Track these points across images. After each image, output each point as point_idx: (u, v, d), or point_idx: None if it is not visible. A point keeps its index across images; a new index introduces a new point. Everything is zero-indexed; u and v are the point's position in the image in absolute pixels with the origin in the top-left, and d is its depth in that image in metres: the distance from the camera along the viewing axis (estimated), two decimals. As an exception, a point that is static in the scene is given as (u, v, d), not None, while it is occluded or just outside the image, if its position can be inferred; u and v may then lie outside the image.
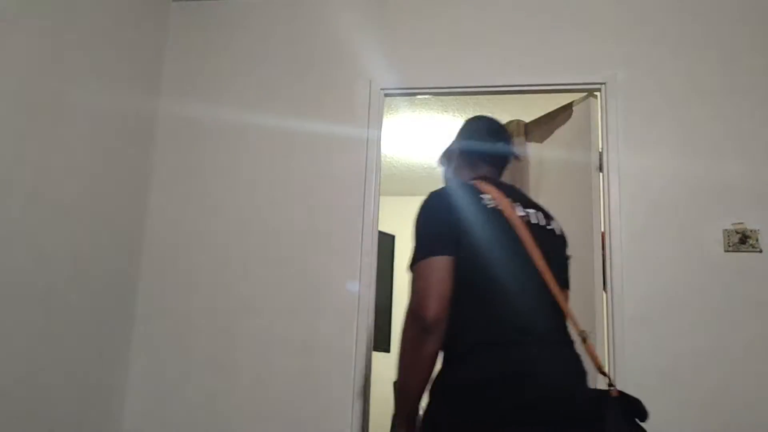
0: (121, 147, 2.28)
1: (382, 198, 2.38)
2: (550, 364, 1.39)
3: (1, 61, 1.72)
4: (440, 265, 1.44)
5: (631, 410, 1.33)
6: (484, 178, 1.59)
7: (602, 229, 2.15)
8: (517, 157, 1.76)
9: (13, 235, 1.76)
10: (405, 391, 1.46)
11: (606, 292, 2.11)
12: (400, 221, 5.06)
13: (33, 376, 1.85)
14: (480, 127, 1.71)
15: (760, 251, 2.02)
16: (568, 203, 2.28)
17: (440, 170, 1.77)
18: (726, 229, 2.06)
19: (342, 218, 2.29)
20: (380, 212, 2.34)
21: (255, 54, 2.51)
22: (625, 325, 2.04)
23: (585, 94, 2.29)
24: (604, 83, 2.23)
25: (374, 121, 2.35)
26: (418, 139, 4.10)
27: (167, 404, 2.27)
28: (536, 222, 1.54)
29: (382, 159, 2.37)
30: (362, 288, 2.22)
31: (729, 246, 2.04)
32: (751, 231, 2.04)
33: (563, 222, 2.31)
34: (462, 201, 1.52)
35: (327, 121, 2.39)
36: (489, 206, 1.50)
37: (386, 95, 2.41)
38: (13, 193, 1.76)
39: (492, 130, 1.70)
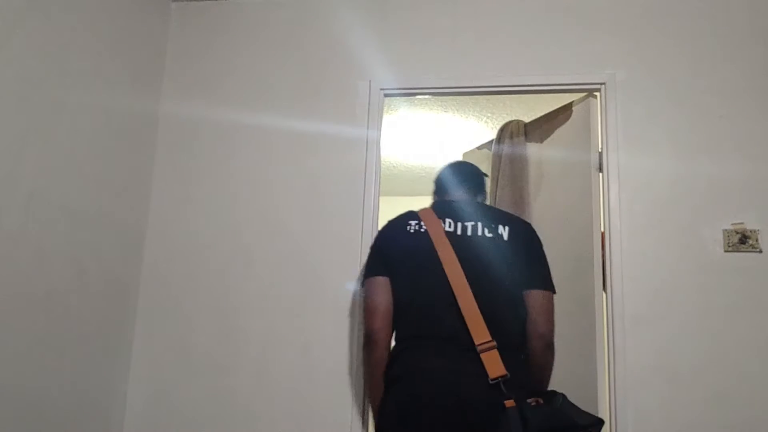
0: (121, 147, 2.28)
1: (381, 198, 2.37)
2: (442, 364, 1.62)
3: (2, 61, 1.72)
4: (378, 282, 1.79)
5: (528, 421, 1.49)
6: (439, 202, 1.94)
7: (602, 229, 2.15)
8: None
9: (13, 235, 1.76)
10: (369, 388, 1.83)
11: (606, 291, 2.11)
12: (400, 221, 5.04)
13: (33, 376, 1.85)
14: (450, 170, 2.06)
15: (760, 251, 2.03)
16: (568, 203, 2.28)
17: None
18: (726, 229, 2.06)
19: (341, 218, 2.30)
20: (380, 212, 2.34)
21: (255, 54, 2.51)
22: (625, 325, 2.05)
23: (585, 94, 2.29)
24: (604, 83, 2.23)
25: (374, 121, 2.35)
26: (417, 140, 4.10)
27: (168, 404, 2.27)
28: (461, 233, 1.77)
29: (382, 159, 2.37)
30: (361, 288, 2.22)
31: (729, 246, 2.04)
32: (750, 231, 2.04)
33: (563, 222, 2.32)
34: (392, 230, 1.87)
35: (326, 121, 2.39)
36: (413, 231, 1.80)
37: (386, 95, 2.41)
38: (13, 193, 1.76)
39: (459, 172, 2.04)
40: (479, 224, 1.79)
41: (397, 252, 1.81)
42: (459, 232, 1.78)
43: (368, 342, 1.80)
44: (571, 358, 2.16)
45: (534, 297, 1.76)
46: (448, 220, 1.80)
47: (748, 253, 2.03)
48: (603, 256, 2.12)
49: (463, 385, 1.59)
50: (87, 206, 2.08)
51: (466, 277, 1.69)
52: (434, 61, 2.37)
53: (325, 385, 2.18)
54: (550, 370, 1.83)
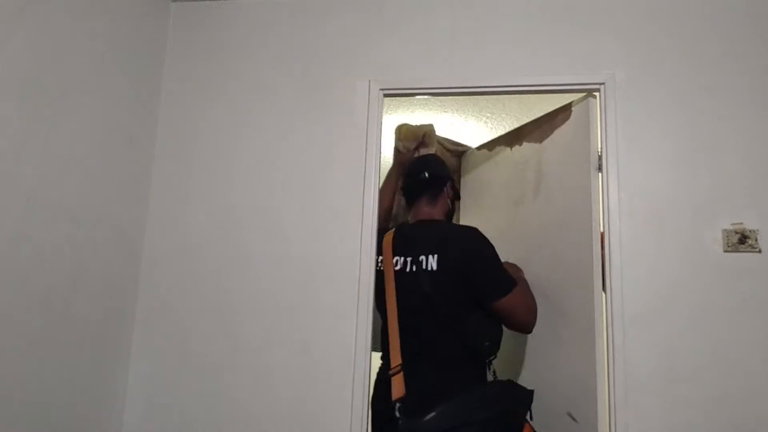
0: (121, 147, 2.28)
1: (381, 198, 2.37)
2: (377, 397, 2.12)
3: (1, 62, 1.72)
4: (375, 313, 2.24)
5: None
6: (401, 228, 2.25)
7: (601, 230, 2.16)
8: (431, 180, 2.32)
9: (13, 235, 1.76)
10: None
11: (605, 292, 2.11)
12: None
13: (32, 376, 1.85)
14: (415, 173, 2.35)
15: (760, 251, 2.03)
16: (568, 203, 2.28)
17: None
18: (725, 229, 2.06)
19: (341, 218, 2.30)
20: (380, 212, 2.34)
21: (254, 54, 2.51)
22: (625, 325, 2.05)
23: (584, 94, 2.29)
24: (603, 83, 2.23)
25: (373, 121, 2.36)
26: (417, 140, 4.09)
27: (167, 404, 2.27)
28: (404, 269, 2.09)
29: (381, 159, 2.37)
30: (361, 289, 2.23)
31: (728, 246, 2.05)
32: (750, 231, 2.04)
33: (562, 223, 2.33)
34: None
35: (326, 122, 2.39)
36: (377, 269, 2.21)
37: (385, 96, 2.41)
38: (13, 193, 1.76)
39: (408, 172, 2.37)
40: (418, 258, 2.06)
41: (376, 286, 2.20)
42: (402, 268, 2.10)
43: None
44: (570, 358, 2.16)
45: (501, 305, 2.00)
46: (396, 258, 2.13)
47: (747, 253, 2.04)
48: (602, 256, 2.13)
49: (383, 405, 2.02)
50: (86, 206, 2.08)
51: (398, 309, 2.03)
52: (434, 62, 2.38)
53: (325, 385, 2.18)
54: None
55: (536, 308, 2.11)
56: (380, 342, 2.18)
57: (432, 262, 2.02)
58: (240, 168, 2.42)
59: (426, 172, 2.29)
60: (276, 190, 2.37)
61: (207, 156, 2.45)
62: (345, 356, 2.19)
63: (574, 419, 2.10)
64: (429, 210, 2.26)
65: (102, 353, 2.18)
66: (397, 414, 1.88)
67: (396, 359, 1.97)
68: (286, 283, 2.29)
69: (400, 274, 2.10)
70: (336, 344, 2.21)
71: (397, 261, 2.12)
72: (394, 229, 2.25)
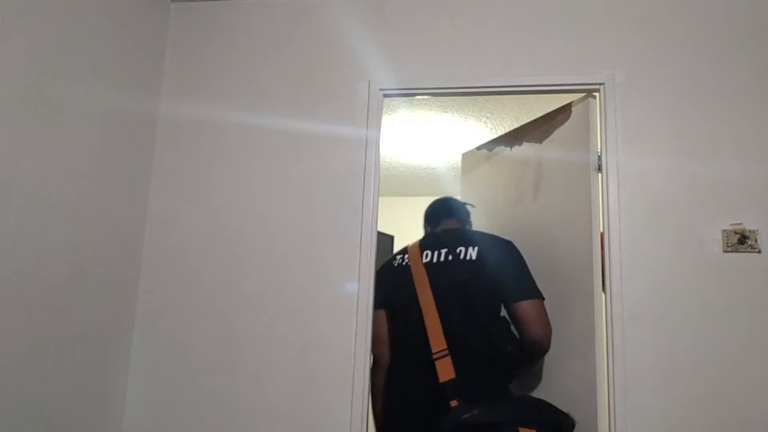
0: (121, 147, 2.28)
1: (381, 198, 2.38)
2: (413, 381, 2.05)
3: (1, 62, 1.72)
4: (379, 314, 2.24)
5: (465, 416, 1.82)
6: (427, 235, 2.33)
7: (601, 230, 2.16)
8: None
9: (13, 235, 1.76)
10: (372, 401, 2.22)
11: (605, 292, 2.11)
12: (399, 222, 5.07)
13: (32, 376, 1.85)
14: (438, 204, 2.45)
15: (759, 251, 2.03)
16: (567, 204, 2.28)
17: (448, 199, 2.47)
18: (725, 230, 2.06)
19: (341, 219, 2.30)
20: (379, 213, 2.34)
21: (254, 54, 2.51)
22: (624, 326, 2.05)
23: (584, 94, 2.29)
24: (603, 84, 2.23)
25: (373, 121, 2.36)
26: (416, 140, 4.10)
27: (167, 404, 2.27)
28: (437, 261, 2.13)
29: (381, 159, 2.37)
30: (361, 288, 2.23)
31: (728, 246, 2.05)
32: (749, 231, 2.04)
33: (562, 223, 2.33)
34: (385, 266, 2.29)
35: (326, 122, 2.39)
36: (397, 264, 2.24)
37: (385, 96, 2.41)
38: (13, 193, 1.76)
39: (446, 206, 2.41)
40: (453, 249, 2.13)
41: (388, 286, 2.20)
42: (434, 260, 2.14)
43: (374, 365, 2.24)
44: (570, 358, 2.17)
45: (522, 308, 2.03)
46: (426, 252, 2.18)
47: (747, 254, 2.04)
48: (602, 256, 2.13)
49: (422, 391, 1.99)
50: (86, 206, 2.08)
51: (435, 298, 2.04)
52: (433, 62, 2.38)
53: (325, 385, 2.18)
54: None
55: (551, 332, 2.06)
56: (396, 342, 2.18)
57: (471, 253, 2.10)
58: (240, 168, 2.42)
59: (452, 200, 2.46)
60: (276, 190, 2.37)
61: (207, 156, 2.45)
62: (345, 356, 2.19)
63: (574, 419, 2.10)
64: (455, 223, 2.33)
65: (102, 353, 2.17)
66: (450, 395, 1.88)
67: (440, 344, 1.96)
68: (285, 283, 2.29)
69: (431, 265, 2.13)
70: (336, 345, 2.20)
71: (426, 254, 2.17)
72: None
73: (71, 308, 2.01)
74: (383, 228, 2.92)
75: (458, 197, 2.62)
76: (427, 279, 2.08)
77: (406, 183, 5.04)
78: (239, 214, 2.37)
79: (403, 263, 2.21)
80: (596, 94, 2.26)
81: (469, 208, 2.44)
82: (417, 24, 2.42)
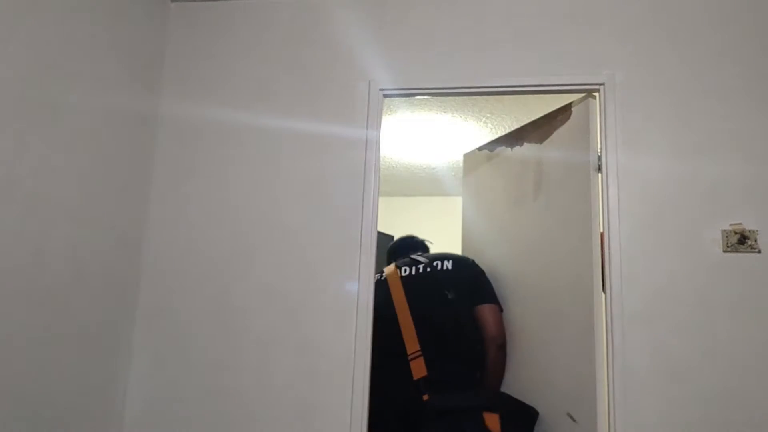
0: (121, 147, 2.28)
1: (381, 198, 2.38)
2: (391, 378, 2.25)
3: (1, 62, 1.72)
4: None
5: (442, 409, 2.12)
6: (402, 261, 2.59)
7: (601, 230, 2.16)
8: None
9: (13, 235, 1.76)
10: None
11: (605, 292, 2.11)
12: (399, 222, 5.07)
13: (33, 376, 1.85)
14: (402, 241, 2.88)
15: (759, 251, 2.03)
16: (567, 204, 2.28)
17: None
18: (724, 230, 2.06)
19: (341, 219, 2.30)
20: (379, 213, 2.34)
21: (254, 54, 2.51)
22: (624, 326, 2.05)
23: (584, 95, 2.29)
24: (603, 84, 2.23)
25: (373, 121, 2.36)
26: (416, 140, 4.10)
27: (167, 403, 2.28)
28: (413, 274, 2.47)
29: (381, 159, 2.38)
30: (361, 288, 2.23)
31: (728, 246, 2.05)
32: (749, 231, 2.04)
33: (562, 223, 2.33)
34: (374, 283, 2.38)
35: (326, 122, 2.39)
36: (378, 279, 2.44)
37: (385, 96, 2.41)
38: (13, 193, 1.76)
39: (410, 242, 2.82)
40: (430, 263, 2.48)
41: (376, 297, 2.31)
42: (413, 273, 2.47)
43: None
44: (570, 358, 2.17)
45: (483, 310, 2.38)
46: (404, 268, 2.50)
47: (747, 254, 2.04)
48: (602, 256, 2.13)
49: (396, 386, 2.25)
50: (86, 206, 2.08)
51: (413, 304, 2.35)
52: (433, 62, 2.38)
53: (325, 384, 2.19)
54: (502, 368, 2.41)
55: (504, 331, 2.42)
56: (377, 343, 2.24)
57: (447, 264, 2.47)
58: (240, 167, 2.42)
59: (415, 237, 2.84)
60: (276, 190, 2.38)
61: (207, 155, 2.45)
62: (345, 356, 2.19)
63: (573, 419, 2.10)
64: (421, 254, 2.63)
65: (102, 352, 2.18)
66: (422, 390, 2.18)
67: (414, 346, 2.27)
68: (285, 283, 2.29)
69: (408, 278, 2.46)
70: (336, 344, 2.21)
71: (404, 269, 2.50)
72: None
73: (72, 307, 2.01)
74: (383, 228, 2.93)
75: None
76: (402, 289, 2.41)
77: (406, 183, 5.05)
78: (239, 214, 2.38)
79: (381, 278, 2.48)
80: (596, 94, 2.26)
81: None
82: (417, 24, 2.42)
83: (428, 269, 2.47)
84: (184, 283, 2.36)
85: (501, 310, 2.44)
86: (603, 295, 2.11)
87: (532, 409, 2.22)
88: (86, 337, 2.09)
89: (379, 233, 2.38)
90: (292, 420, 2.19)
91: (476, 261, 2.57)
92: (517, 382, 2.38)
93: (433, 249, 2.84)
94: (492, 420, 2.11)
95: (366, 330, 2.20)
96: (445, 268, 2.45)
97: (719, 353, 2.00)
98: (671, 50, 2.24)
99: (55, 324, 1.93)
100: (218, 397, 2.24)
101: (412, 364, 2.24)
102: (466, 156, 3.03)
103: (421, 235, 2.85)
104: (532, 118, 2.60)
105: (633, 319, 2.05)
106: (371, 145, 2.34)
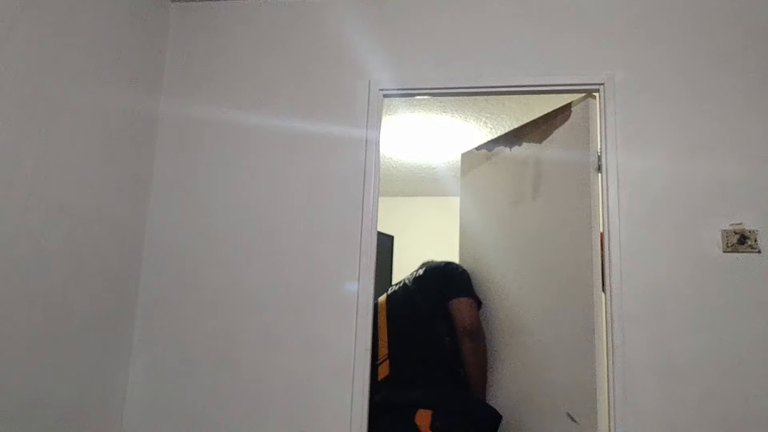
0: (122, 147, 2.28)
1: (381, 198, 2.38)
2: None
3: (1, 61, 1.72)
4: None
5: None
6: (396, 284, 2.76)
7: (601, 230, 2.16)
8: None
9: (13, 235, 1.76)
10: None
11: (604, 292, 2.11)
12: (399, 222, 5.06)
13: (33, 375, 1.85)
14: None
15: (759, 251, 2.03)
16: (567, 204, 2.28)
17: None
18: (724, 230, 2.06)
19: (341, 219, 2.30)
20: (379, 213, 2.34)
21: (254, 54, 2.51)
22: (624, 325, 2.05)
23: (583, 94, 2.29)
24: (603, 84, 2.23)
25: (373, 121, 2.36)
26: (416, 140, 4.10)
27: (168, 403, 2.28)
28: (392, 292, 2.65)
29: (381, 159, 2.38)
30: (361, 288, 2.23)
31: (727, 246, 2.05)
32: (749, 231, 2.04)
33: (562, 223, 2.33)
34: None
35: (326, 122, 2.39)
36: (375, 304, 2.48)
37: (385, 96, 2.41)
38: (13, 193, 1.76)
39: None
40: (408, 276, 2.66)
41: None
42: (394, 290, 2.67)
43: None
44: (570, 358, 2.17)
45: (455, 303, 2.47)
46: (390, 288, 2.71)
47: (746, 254, 2.04)
48: (602, 256, 2.13)
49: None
50: (86, 206, 2.08)
51: (391, 315, 2.54)
52: (433, 62, 2.38)
53: (325, 384, 2.19)
54: (479, 359, 2.45)
55: (478, 321, 2.49)
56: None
57: (419, 272, 2.62)
58: (240, 166, 2.42)
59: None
60: (276, 190, 2.38)
61: (207, 155, 2.45)
62: (345, 355, 2.19)
63: (573, 420, 2.10)
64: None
65: (102, 350, 2.18)
66: (381, 390, 2.30)
67: (383, 351, 2.45)
68: (285, 282, 2.29)
69: (390, 296, 2.65)
70: (336, 344, 2.21)
71: (390, 290, 2.70)
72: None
73: (72, 305, 2.01)
74: (383, 228, 2.93)
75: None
76: (385, 304, 2.59)
77: (406, 183, 5.04)
78: (239, 214, 2.38)
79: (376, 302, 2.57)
80: (596, 94, 2.26)
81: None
82: (417, 24, 2.43)
83: (405, 282, 2.65)
84: (184, 281, 2.36)
85: (479, 304, 2.52)
86: (603, 295, 2.12)
87: (494, 412, 2.32)
88: (86, 335, 2.09)
89: (379, 233, 2.38)
90: (292, 420, 2.19)
91: (474, 261, 2.58)
92: (517, 382, 2.38)
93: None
94: (423, 416, 2.21)
95: (366, 330, 2.20)
96: (417, 275, 2.61)
97: (719, 353, 2.00)
98: (671, 50, 2.24)
99: (54, 323, 1.93)
100: (217, 395, 2.24)
101: (380, 368, 2.41)
102: (465, 155, 3.03)
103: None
104: (532, 118, 2.60)
105: (633, 319, 2.05)
106: (371, 145, 2.34)
